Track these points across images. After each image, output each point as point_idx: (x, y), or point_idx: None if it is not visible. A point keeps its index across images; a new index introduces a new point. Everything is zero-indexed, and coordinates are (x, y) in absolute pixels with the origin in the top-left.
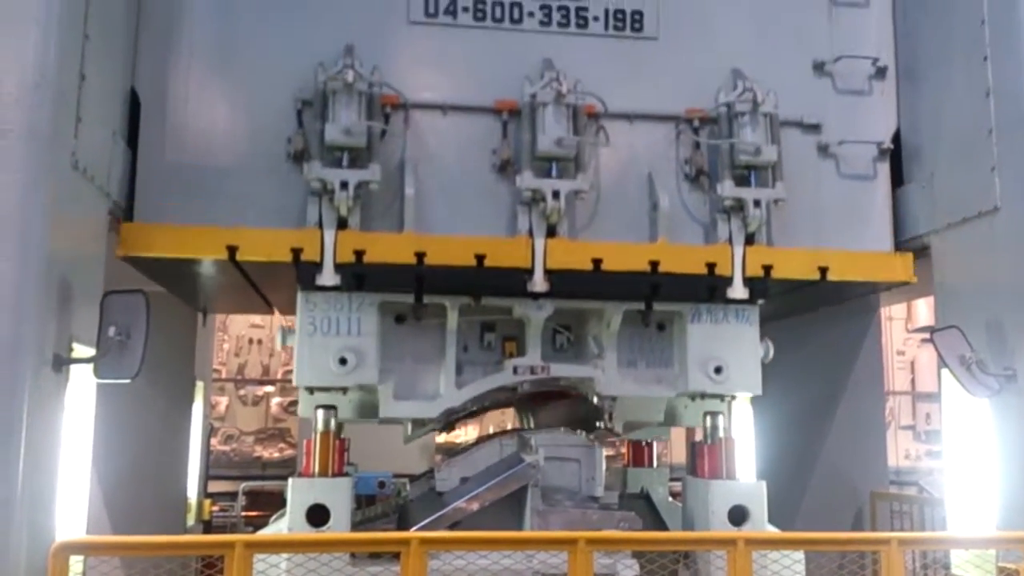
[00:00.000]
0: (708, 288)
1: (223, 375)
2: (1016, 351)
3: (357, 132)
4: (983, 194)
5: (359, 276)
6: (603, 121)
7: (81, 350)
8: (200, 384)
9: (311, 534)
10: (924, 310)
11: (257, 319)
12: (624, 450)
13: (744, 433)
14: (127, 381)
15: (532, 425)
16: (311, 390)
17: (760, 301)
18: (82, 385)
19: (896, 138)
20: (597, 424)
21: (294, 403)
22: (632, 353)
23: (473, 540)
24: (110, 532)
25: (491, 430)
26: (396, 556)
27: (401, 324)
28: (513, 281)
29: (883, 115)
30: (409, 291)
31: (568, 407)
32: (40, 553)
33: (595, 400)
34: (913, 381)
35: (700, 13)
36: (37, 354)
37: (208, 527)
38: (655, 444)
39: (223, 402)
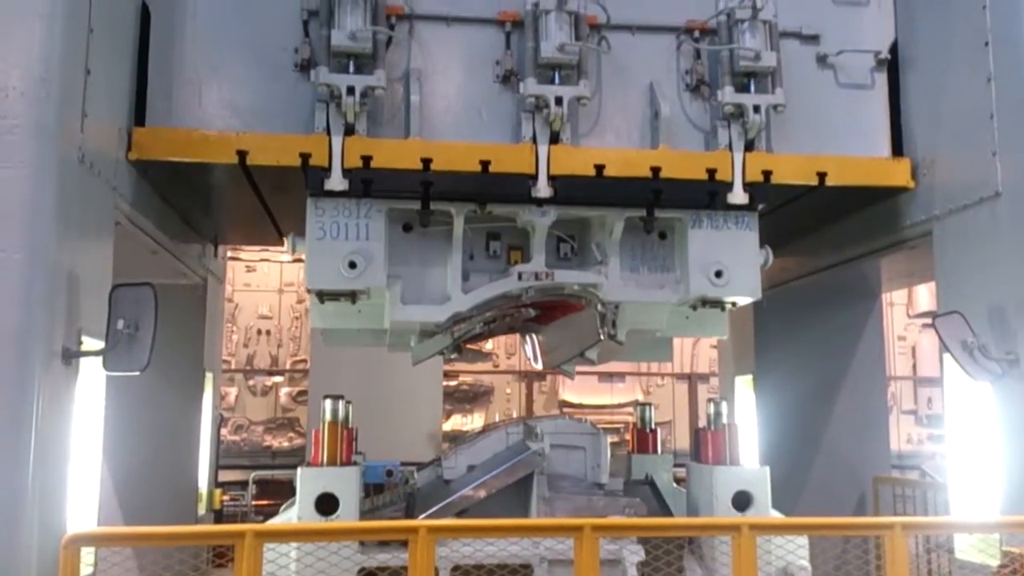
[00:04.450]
0: (708, 194)
1: (232, 366)
2: (1018, 335)
3: (362, 37)
4: (984, 180)
5: (367, 182)
6: (605, 32)
7: (90, 343)
8: (209, 375)
9: (320, 523)
10: (925, 295)
11: (265, 310)
12: (628, 437)
13: (747, 418)
14: (136, 373)
15: (537, 346)
16: (322, 298)
17: (760, 207)
18: (92, 378)
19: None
20: (600, 335)
21: (303, 393)
22: (635, 260)
23: (480, 528)
24: (121, 523)
25: (497, 418)
26: (404, 543)
27: (408, 232)
28: (518, 188)
29: (881, 25)
30: (416, 198)
31: (571, 324)
32: (51, 545)
33: (599, 307)
34: (915, 366)
35: None
36: (46, 347)
37: (219, 516)
38: (659, 431)
39: (232, 392)
